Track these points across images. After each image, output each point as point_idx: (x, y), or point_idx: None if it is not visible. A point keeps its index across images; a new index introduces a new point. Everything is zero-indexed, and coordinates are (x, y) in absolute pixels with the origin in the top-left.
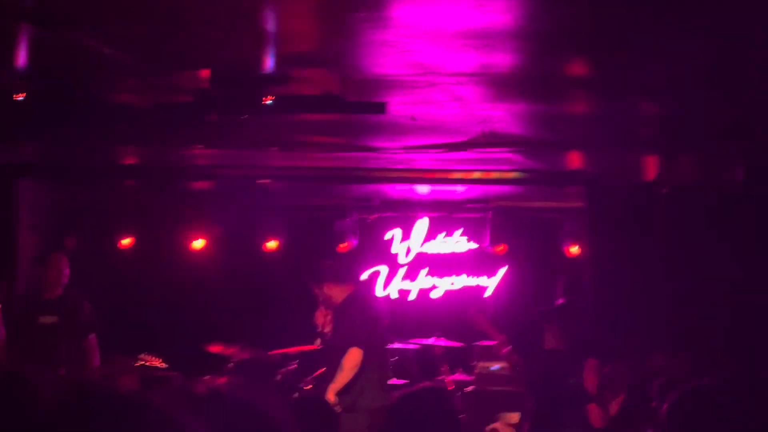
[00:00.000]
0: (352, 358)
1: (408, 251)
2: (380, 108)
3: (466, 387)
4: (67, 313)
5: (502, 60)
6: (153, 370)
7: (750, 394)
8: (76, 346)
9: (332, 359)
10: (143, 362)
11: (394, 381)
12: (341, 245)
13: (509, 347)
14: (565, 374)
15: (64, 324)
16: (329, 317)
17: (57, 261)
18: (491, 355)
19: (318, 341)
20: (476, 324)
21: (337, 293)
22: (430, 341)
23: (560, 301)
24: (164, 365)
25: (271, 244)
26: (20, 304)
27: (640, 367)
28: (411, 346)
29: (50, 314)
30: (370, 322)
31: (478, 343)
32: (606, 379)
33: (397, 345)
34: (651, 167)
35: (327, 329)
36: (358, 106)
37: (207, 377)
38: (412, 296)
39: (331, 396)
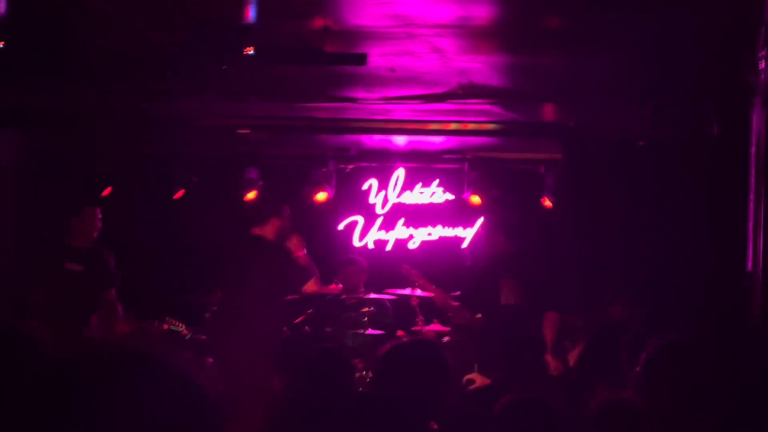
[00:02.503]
0: None
1: (385, 202)
2: (361, 59)
3: (443, 338)
4: (92, 264)
5: (482, 12)
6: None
7: (717, 348)
8: (99, 298)
9: None
10: (169, 326)
11: (370, 331)
12: (318, 195)
13: (456, 304)
14: (524, 328)
15: (89, 273)
16: None
17: (92, 213)
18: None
19: None
20: (409, 279)
21: None
22: (406, 292)
23: (507, 249)
24: (186, 331)
25: (251, 194)
26: (48, 249)
27: (601, 318)
28: (387, 297)
29: (77, 262)
30: None
31: (454, 294)
32: (565, 329)
33: (373, 295)
34: (628, 120)
35: None
36: (339, 57)
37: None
38: (388, 247)
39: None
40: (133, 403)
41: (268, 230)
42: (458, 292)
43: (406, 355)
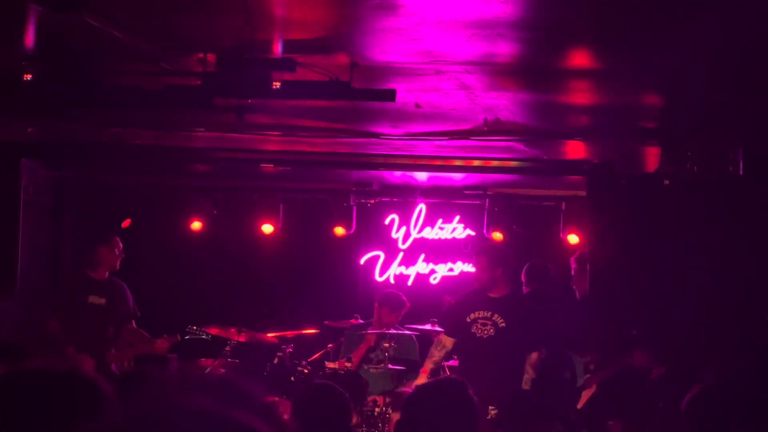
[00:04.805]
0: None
1: (406, 237)
2: (390, 95)
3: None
4: (113, 297)
5: (510, 49)
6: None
7: (746, 390)
8: (119, 330)
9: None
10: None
11: (391, 367)
12: (337, 229)
13: None
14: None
15: (110, 307)
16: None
17: (118, 243)
18: None
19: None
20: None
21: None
22: (426, 327)
23: (525, 290)
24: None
25: (269, 228)
26: (73, 279)
27: (620, 362)
28: (408, 332)
29: (99, 295)
30: None
31: None
32: (586, 369)
33: (393, 331)
34: (653, 158)
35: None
36: (368, 93)
37: (204, 360)
38: (409, 282)
39: None
40: None
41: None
42: None
43: (431, 396)
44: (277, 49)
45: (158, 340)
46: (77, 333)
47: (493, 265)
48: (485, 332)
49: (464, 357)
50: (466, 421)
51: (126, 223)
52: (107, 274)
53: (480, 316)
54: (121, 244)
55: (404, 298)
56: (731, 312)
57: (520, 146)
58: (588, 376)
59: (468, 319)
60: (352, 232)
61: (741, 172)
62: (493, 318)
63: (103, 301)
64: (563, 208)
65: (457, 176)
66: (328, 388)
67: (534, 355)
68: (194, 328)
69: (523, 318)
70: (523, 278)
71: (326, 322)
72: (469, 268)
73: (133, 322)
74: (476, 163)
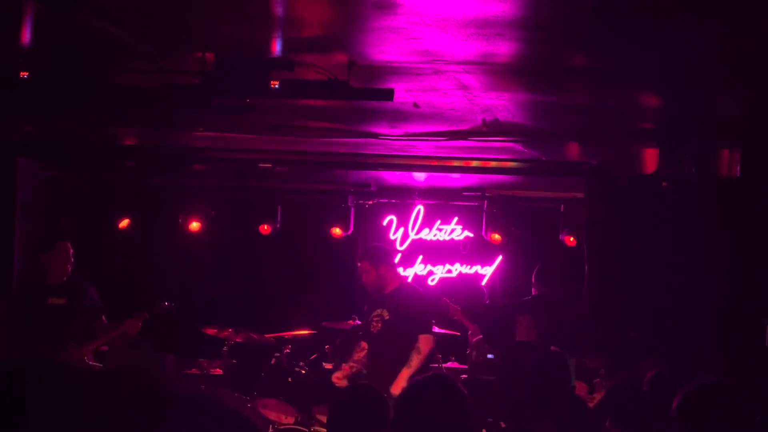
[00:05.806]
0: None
1: (404, 238)
2: (388, 95)
3: (461, 375)
4: (74, 296)
5: (509, 49)
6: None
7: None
8: (86, 327)
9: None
10: None
11: None
12: (335, 230)
13: (480, 336)
14: (534, 366)
15: (72, 305)
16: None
17: (64, 248)
18: (484, 344)
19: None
20: (449, 313)
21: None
22: None
23: (534, 292)
24: None
25: (267, 228)
26: (28, 288)
27: (630, 371)
28: None
29: (59, 296)
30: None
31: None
32: (585, 372)
33: None
34: (651, 160)
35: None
36: (366, 92)
37: (201, 360)
38: None
39: (403, 383)
40: None
41: None
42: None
43: (423, 392)
44: (276, 48)
45: (126, 321)
46: (47, 333)
47: (375, 265)
48: (377, 328)
49: (368, 354)
50: (458, 413)
51: (123, 225)
52: (65, 278)
53: (375, 314)
54: (71, 250)
55: None
56: (729, 314)
57: (518, 147)
58: (597, 380)
59: (369, 319)
60: (350, 233)
61: (738, 174)
62: (382, 313)
63: (63, 301)
64: (562, 210)
65: (456, 177)
66: (368, 389)
67: (422, 339)
68: (165, 303)
69: (402, 307)
70: (533, 280)
71: (324, 323)
72: (467, 269)
73: (104, 317)
74: (475, 163)
